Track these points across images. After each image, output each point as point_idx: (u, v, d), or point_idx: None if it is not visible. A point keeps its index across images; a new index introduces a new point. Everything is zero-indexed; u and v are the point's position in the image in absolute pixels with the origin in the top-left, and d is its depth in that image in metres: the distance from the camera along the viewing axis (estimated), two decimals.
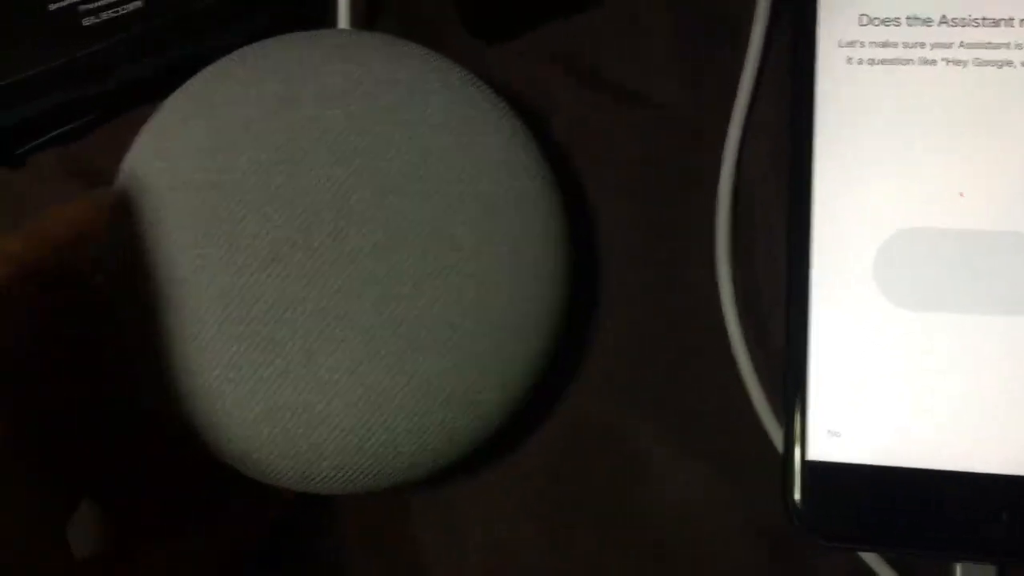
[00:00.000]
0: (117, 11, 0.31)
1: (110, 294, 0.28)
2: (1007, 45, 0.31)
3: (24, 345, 0.27)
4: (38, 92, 0.32)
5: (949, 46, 0.31)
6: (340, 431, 0.26)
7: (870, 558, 0.32)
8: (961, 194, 0.30)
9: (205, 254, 0.26)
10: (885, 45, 0.31)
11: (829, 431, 0.30)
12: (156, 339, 0.26)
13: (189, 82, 0.29)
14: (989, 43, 0.31)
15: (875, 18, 0.32)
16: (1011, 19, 0.31)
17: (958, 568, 0.30)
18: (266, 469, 0.28)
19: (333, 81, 0.27)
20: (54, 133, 0.34)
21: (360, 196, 0.26)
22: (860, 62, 0.31)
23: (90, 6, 0.31)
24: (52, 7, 0.32)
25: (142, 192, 0.27)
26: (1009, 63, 0.31)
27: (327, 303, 0.26)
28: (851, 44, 0.31)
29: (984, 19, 0.31)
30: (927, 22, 0.31)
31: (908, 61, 0.31)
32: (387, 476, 0.28)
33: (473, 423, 0.28)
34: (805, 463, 0.30)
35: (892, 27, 0.32)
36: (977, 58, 0.31)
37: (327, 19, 0.34)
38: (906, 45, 0.31)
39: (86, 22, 0.31)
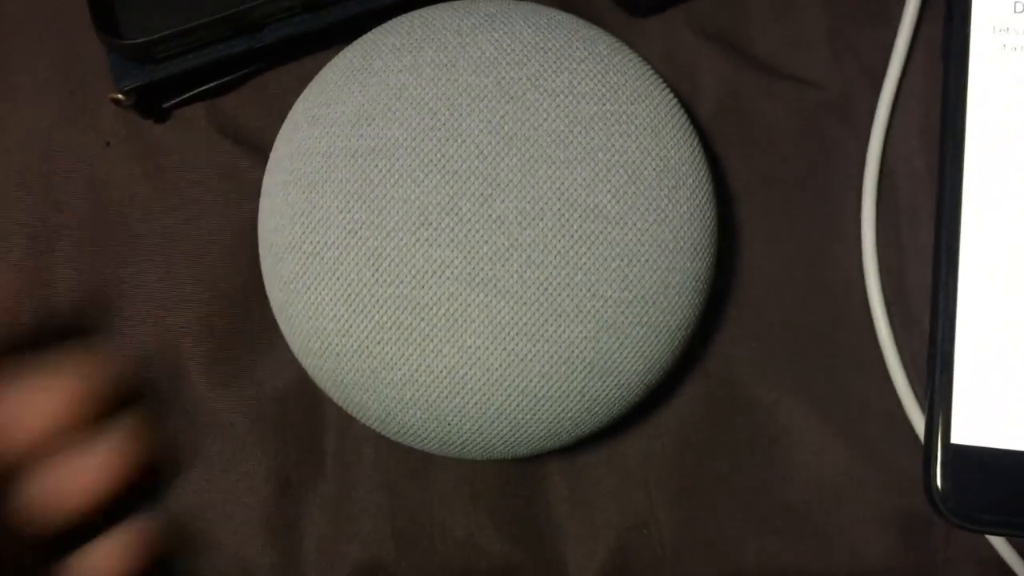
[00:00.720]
0: None
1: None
2: None
3: None
4: (189, 48, 0.32)
5: None
6: (481, 396, 0.27)
7: (1003, 550, 0.31)
8: None
9: (357, 218, 0.26)
10: None
11: (975, 414, 0.29)
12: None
13: (346, 49, 0.29)
14: None
15: None
16: None
17: None
18: (408, 431, 0.28)
19: (484, 50, 0.27)
20: (203, 88, 0.34)
21: (508, 163, 0.26)
22: (1015, 49, 0.31)
23: None
24: None
25: (298, 159, 0.28)
26: None
27: (473, 268, 0.26)
28: (1005, 30, 0.31)
29: None
30: None
31: None
32: (526, 443, 0.28)
33: (613, 393, 0.28)
34: (948, 446, 0.29)
35: None
36: None
37: None
38: None
39: None
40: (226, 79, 0.34)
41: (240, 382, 0.34)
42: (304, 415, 0.34)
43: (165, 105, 0.35)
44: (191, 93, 0.34)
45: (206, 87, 0.34)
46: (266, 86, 0.35)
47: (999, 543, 0.31)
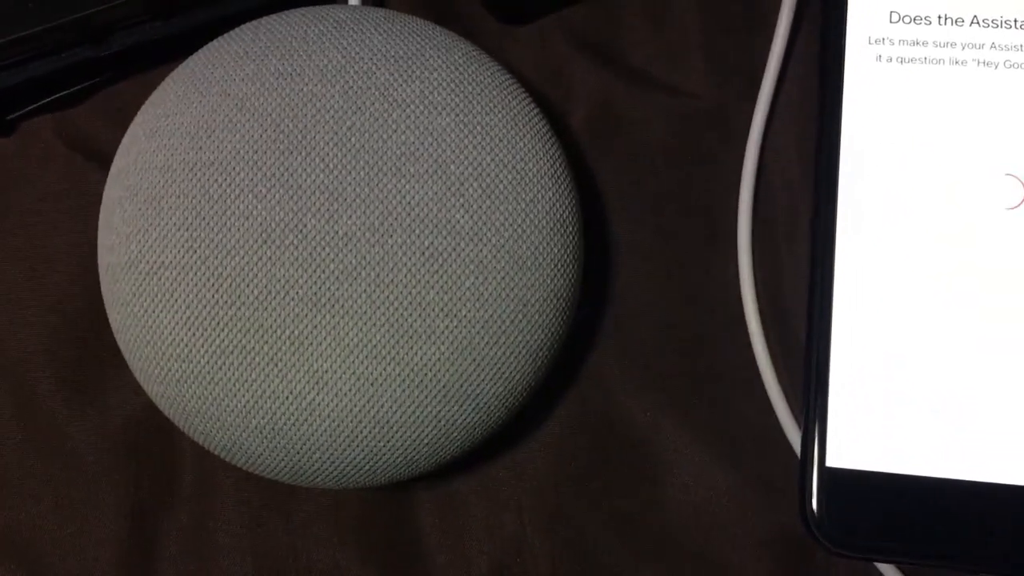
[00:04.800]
0: None
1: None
2: None
3: None
4: (30, 56, 0.31)
5: (980, 47, 0.30)
6: (330, 422, 0.25)
7: (889, 572, 0.31)
8: (989, 184, 0.29)
9: (196, 236, 0.25)
10: (915, 44, 0.31)
11: (850, 436, 0.29)
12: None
13: (189, 59, 0.28)
14: (1021, 45, 0.30)
15: (905, 15, 0.31)
16: None
17: None
18: (256, 461, 0.27)
19: (331, 58, 0.26)
20: (48, 99, 0.33)
21: (355, 177, 0.25)
22: (890, 60, 0.30)
23: None
24: None
25: (136, 173, 0.26)
26: None
27: (318, 288, 0.25)
28: (880, 41, 0.31)
29: (1017, 21, 0.30)
30: (958, 22, 0.30)
31: (938, 61, 0.30)
32: (381, 471, 0.27)
33: (472, 418, 0.27)
34: (824, 469, 0.29)
35: (923, 26, 0.31)
36: (1008, 60, 0.30)
37: None
38: (936, 44, 0.30)
39: None
40: (73, 89, 0.33)
41: (89, 409, 0.32)
42: (158, 443, 0.32)
43: (9, 117, 0.33)
44: (36, 104, 0.33)
45: (52, 98, 0.33)
46: (117, 96, 0.34)
47: (885, 566, 0.31)
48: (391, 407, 0.25)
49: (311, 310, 0.25)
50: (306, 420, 0.25)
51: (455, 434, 0.27)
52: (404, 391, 0.25)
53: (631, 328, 0.32)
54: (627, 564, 0.32)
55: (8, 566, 0.32)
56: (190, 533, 0.32)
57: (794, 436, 0.31)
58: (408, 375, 0.25)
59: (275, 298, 0.25)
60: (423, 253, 0.25)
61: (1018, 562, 0.28)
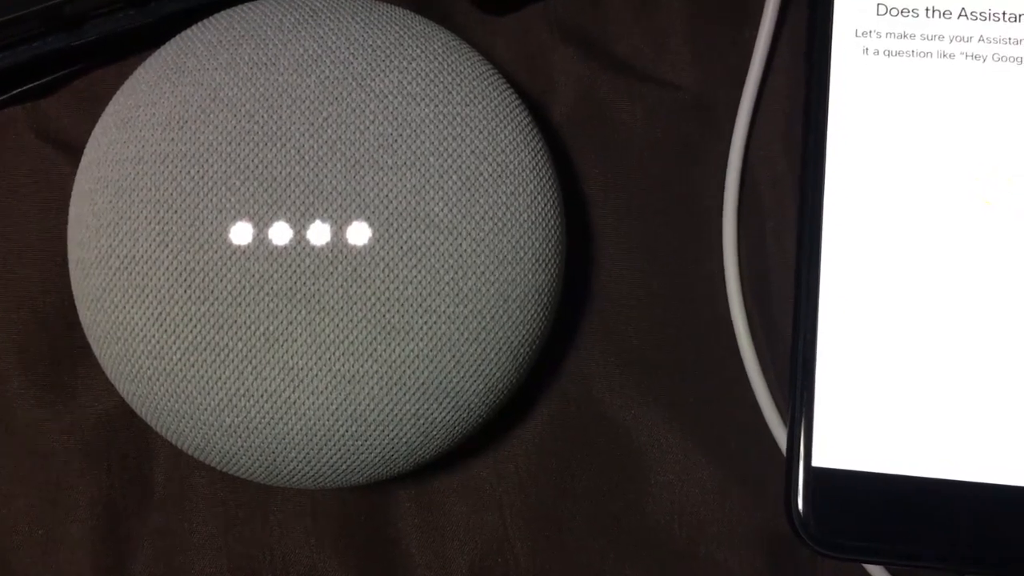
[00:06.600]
0: None
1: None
2: None
3: None
4: (1, 45, 0.30)
5: (968, 40, 0.30)
6: (306, 420, 0.25)
7: (876, 572, 0.30)
8: (977, 179, 0.29)
9: (167, 230, 0.24)
10: (902, 36, 0.30)
11: (837, 435, 0.28)
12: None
13: (161, 48, 0.27)
14: (1010, 38, 0.30)
15: (893, 8, 0.30)
16: None
17: None
18: (230, 460, 0.26)
19: (307, 47, 0.26)
20: (20, 89, 0.32)
21: (331, 170, 0.24)
22: (876, 53, 0.30)
23: None
24: None
25: (106, 165, 0.26)
26: None
27: (294, 283, 0.24)
28: (867, 34, 0.30)
29: (1005, 14, 0.30)
30: (946, 15, 0.30)
31: (926, 54, 0.30)
32: (358, 471, 0.26)
33: (450, 416, 0.26)
34: (810, 469, 0.28)
35: (910, 18, 0.30)
36: (996, 53, 0.30)
37: None
38: (924, 37, 0.30)
39: None
40: (46, 79, 0.32)
41: (61, 407, 0.32)
42: (132, 441, 0.32)
43: None
44: (8, 95, 0.32)
45: (24, 88, 0.32)
46: (89, 86, 0.33)
47: (872, 567, 0.30)
48: (368, 405, 0.25)
49: (286, 305, 0.24)
50: (281, 418, 0.25)
51: (434, 432, 0.26)
52: (381, 388, 0.25)
53: (614, 324, 0.32)
54: (610, 563, 0.31)
55: None
56: (164, 534, 0.31)
57: (780, 435, 0.31)
58: (386, 372, 0.25)
59: (249, 293, 0.24)
60: (400, 247, 0.24)
61: (1003, 562, 0.28)
